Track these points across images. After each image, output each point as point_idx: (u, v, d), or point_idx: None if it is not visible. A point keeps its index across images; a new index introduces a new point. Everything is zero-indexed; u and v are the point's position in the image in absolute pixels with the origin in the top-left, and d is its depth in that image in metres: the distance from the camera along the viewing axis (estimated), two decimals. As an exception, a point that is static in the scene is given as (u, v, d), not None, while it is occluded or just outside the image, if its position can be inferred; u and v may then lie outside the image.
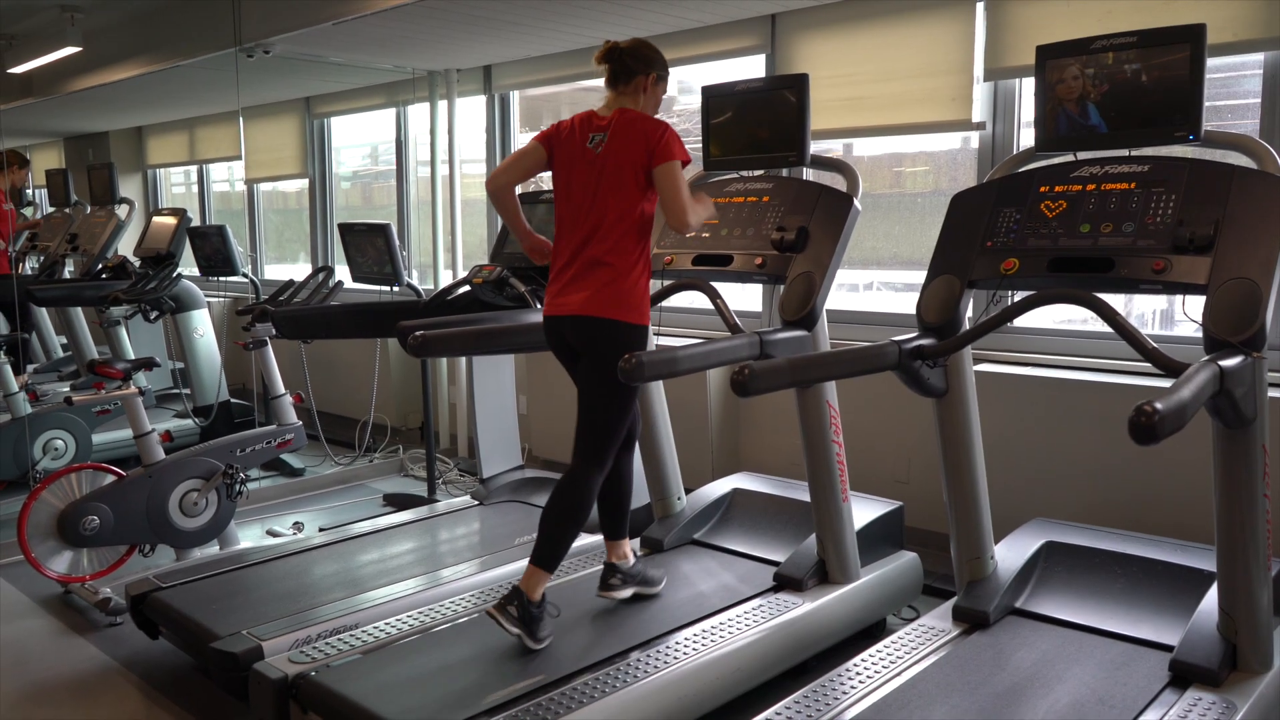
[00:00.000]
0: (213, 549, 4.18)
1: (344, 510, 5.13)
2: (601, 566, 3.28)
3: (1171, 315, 4.08)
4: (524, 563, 3.60)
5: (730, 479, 4.11)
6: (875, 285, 5.04)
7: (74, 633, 3.70)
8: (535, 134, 3.08)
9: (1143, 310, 4.11)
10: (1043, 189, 2.80)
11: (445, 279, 6.30)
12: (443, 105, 6.24)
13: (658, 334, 3.89)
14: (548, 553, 2.92)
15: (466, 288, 4.28)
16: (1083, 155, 2.81)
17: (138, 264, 6.12)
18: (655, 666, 2.79)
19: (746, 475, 4.18)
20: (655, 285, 3.58)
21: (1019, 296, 2.66)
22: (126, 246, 6.46)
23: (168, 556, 4.10)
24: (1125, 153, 2.73)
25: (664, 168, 2.88)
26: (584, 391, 2.99)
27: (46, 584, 4.00)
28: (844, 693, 2.63)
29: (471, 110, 6.32)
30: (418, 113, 6.62)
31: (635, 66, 3.02)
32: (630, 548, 3.29)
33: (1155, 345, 2.35)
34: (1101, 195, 2.69)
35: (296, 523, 4.75)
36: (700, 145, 3.62)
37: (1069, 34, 2.78)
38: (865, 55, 4.38)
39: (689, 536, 3.83)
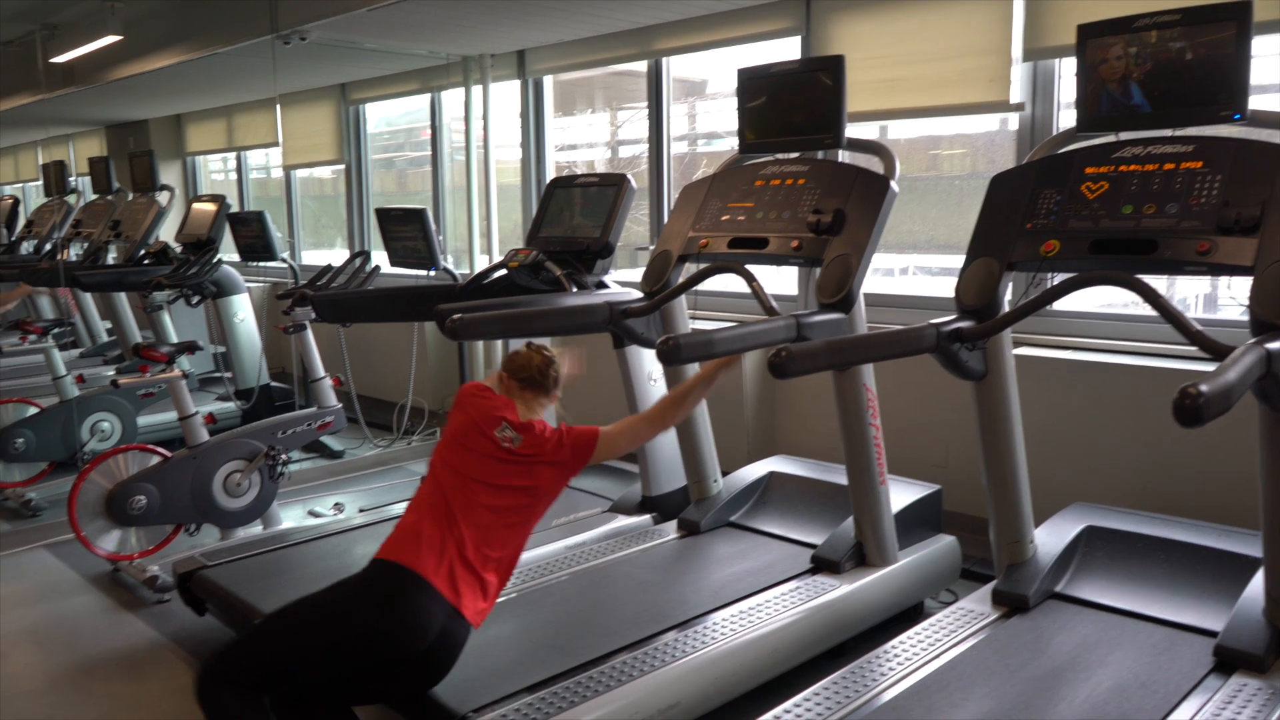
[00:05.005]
0: (256, 529, 4.25)
1: (383, 492, 5.19)
2: (635, 549, 3.28)
3: (1215, 299, 4.03)
4: (561, 544, 3.68)
5: (766, 462, 4.12)
6: (910, 270, 5.01)
7: (123, 609, 3.79)
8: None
9: (1184, 294, 4.05)
10: (1085, 170, 2.76)
11: (480, 263, 6.33)
12: (477, 90, 6.26)
13: (694, 317, 3.90)
14: None
15: (502, 271, 4.30)
16: (1125, 135, 2.77)
17: (179, 250, 6.21)
18: (692, 647, 2.81)
19: (783, 458, 4.19)
20: (691, 269, 3.59)
21: (1059, 279, 2.63)
22: (167, 233, 6.56)
23: (212, 536, 4.18)
24: (1169, 133, 2.70)
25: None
26: None
27: (96, 562, 4.09)
28: (882, 674, 2.64)
29: (506, 95, 6.34)
30: (452, 98, 6.65)
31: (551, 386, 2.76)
32: None
33: (1200, 328, 2.32)
34: (1144, 176, 2.66)
35: (337, 503, 4.83)
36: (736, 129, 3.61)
37: (1110, 12, 2.73)
38: (902, 36, 4.34)
39: (726, 519, 3.84)
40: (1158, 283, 2.44)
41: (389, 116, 7.53)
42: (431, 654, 2.38)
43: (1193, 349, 2.37)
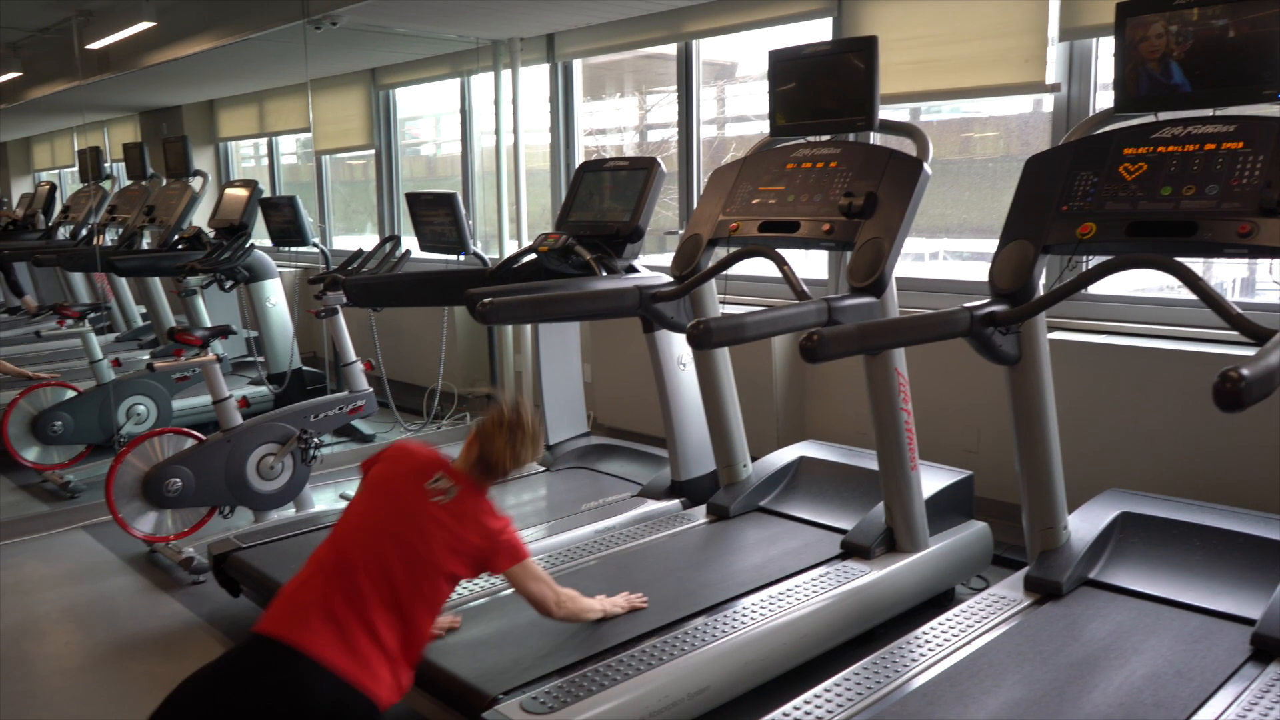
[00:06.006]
0: (289, 511, 4.30)
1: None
2: (664, 534, 3.27)
3: (1253, 283, 3.96)
4: (590, 528, 3.70)
5: (796, 447, 4.10)
6: (941, 254, 4.96)
7: (159, 590, 3.85)
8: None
9: (1221, 278, 3.99)
10: (1124, 150, 2.72)
11: (510, 248, 6.35)
12: (506, 74, 6.25)
13: (723, 302, 3.88)
14: None
15: (532, 256, 4.31)
16: (1164, 116, 2.72)
17: (212, 235, 6.27)
18: (722, 631, 2.81)
19: (812, 443, 4.17)
20: (721, 253, 3.58)
21: (1095, 262, 2.59)
22: (201, 218, 6.63)
23: (246, 519, 4.22)
24: (1209, 112, 2.64)
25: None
26: None
27: (133, 543, 4.15)
28: (913, 660, 2.63)
29: (535, 79, 6.33)
30: (481, 83, 6.65)
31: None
32: None
33: (1240, 311, 2.28)
34: (1184, 157, 2.61)
35: (368, 487, 4.85)
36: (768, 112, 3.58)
37: (1150, -10, 2.69)
38: (935, 16, 4.28)
39: (755, 504, 3.84)
40: (1195, 266, 2.40)
41: (419, 102, 7.54)
42: None
43: (1229, 333, 2.34)
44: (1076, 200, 2.74)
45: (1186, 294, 2.38)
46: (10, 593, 3.88)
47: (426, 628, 2.31)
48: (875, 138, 3.90)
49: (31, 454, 5.23)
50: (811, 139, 3.53)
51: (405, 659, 2.25)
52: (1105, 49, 3.95)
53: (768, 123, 3.60)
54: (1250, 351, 1.91)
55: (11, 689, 3.14)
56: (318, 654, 2.09)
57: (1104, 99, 3.97)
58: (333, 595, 2.19)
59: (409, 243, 5.34)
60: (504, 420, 2.44)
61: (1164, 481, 3.57)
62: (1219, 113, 2.63)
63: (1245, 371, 1.76)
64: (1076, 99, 4.05)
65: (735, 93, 5.79)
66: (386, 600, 2.21)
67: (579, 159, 6.18)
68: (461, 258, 5.24)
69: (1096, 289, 3.82)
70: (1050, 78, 3.99)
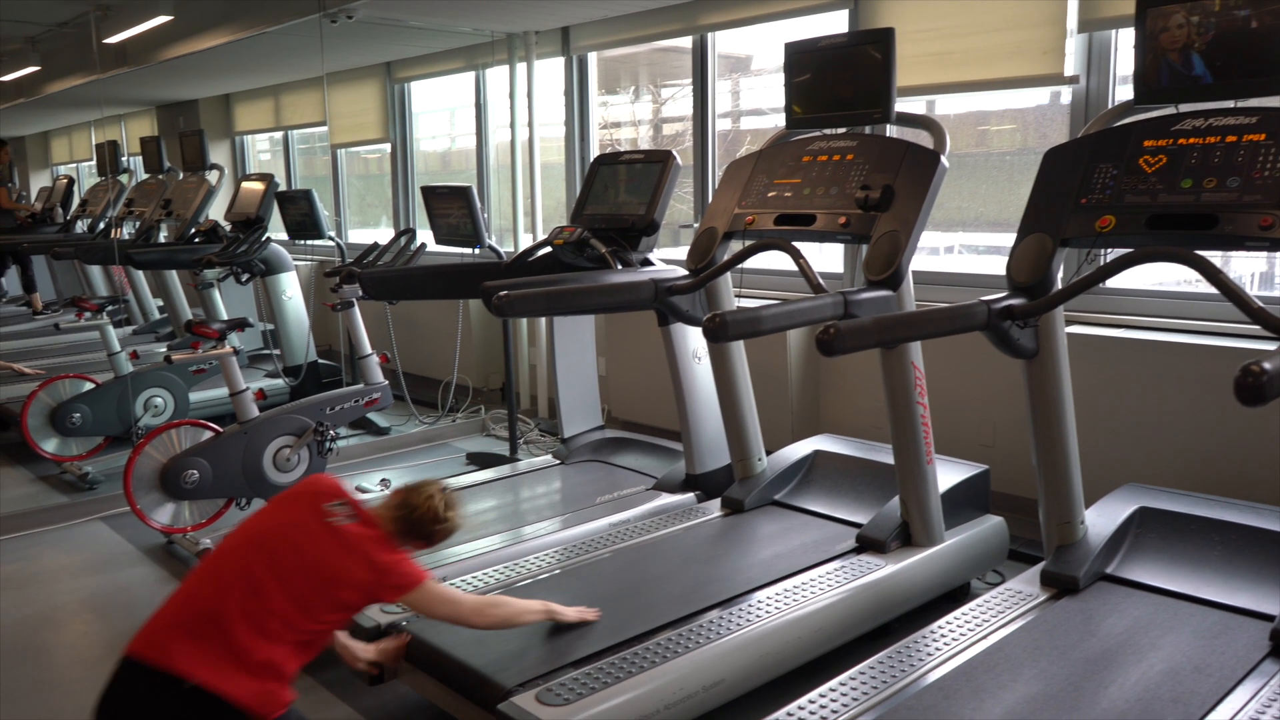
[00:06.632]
0: (305, 504, 4.31)
1: (429, 468, 5.25)
2: (679, 527, 3.27)
3: (1272, 276, 3.93)
4: (605, 521, 3.70)
5: (811, 440, 4.09)
6: (956, 248, 4.94)
7: (177, 580, 3.86)
8: None
9: (1239, 271, 3.95)
10: (1144, 143, 2.70)
11: (525, 241, 6.35)
12: (521, 68, 6.25)
13: (738, 295, 3.88)
14: None
15: (547, 249, 4.31)
16: (1184, 108, 2.70)
17: (228, 228, 6.30)
18: (736, 625, 2.81)
19: (827, 437, 4.16)
20: (736, 246, 3.57)
21: (1114, 255, 2.57)
22: (217, 211, 6.65)
23: (262, 510, 4.24)
24: (1231, 104, 2.62)
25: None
26: None
27: (151, 534, 4.18)
28: (928, 654, 2.62)
29: (550, 73, 6.33)
30: (496, 76, 6.65)
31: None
32: None
33: (1261, 304, 2.26)
34: (1205, 149, 2.59)
35: (383, 479, 4.88)
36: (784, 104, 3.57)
37: (1172, -20, 2.66)
38: (952, 8, 4.26)
39: (770, 497, 3.83)
40: (1213, 259, 2.38)
41: (434, 95, 7.55)
42: None
43: (1248, 327, 2.32)
44: (1095, 193, 2.72)
45: (1205, 287, 2.37)
46: (29, 583, 3.91)
47: (312, 639, 2.18)
48: (891, 130, 3.88)
49: (50, 445, 5.27)
50: (827, 131, 3.52)
51: (279, 669, 2.11)
52: (1125, 40, 3.92)
53: (783, 115, 3.59)
54: (1271, 346, 1.90)
55: (31, 678, 3.17)
56: (182, 670, 2.00)
57: (1123, 91, 3.94)
58: (201, 607, 2.10)
59: (424, 236, 5.34)
60: (440, 494, 2.38)
61: (1182, 476, 3.55)
62: (1241, 104, 2.61)
63: (1267, 365, 1.75)
64: (1095, 91, 4.02)
65: (751, 85, 5.77)
66: (252, 611, 2.08)
67: (594, 152, 6.18)
68: (476, 251, 5.25)
69: (1115, 282, 3.79)
70: (1069, 70, 3.96)
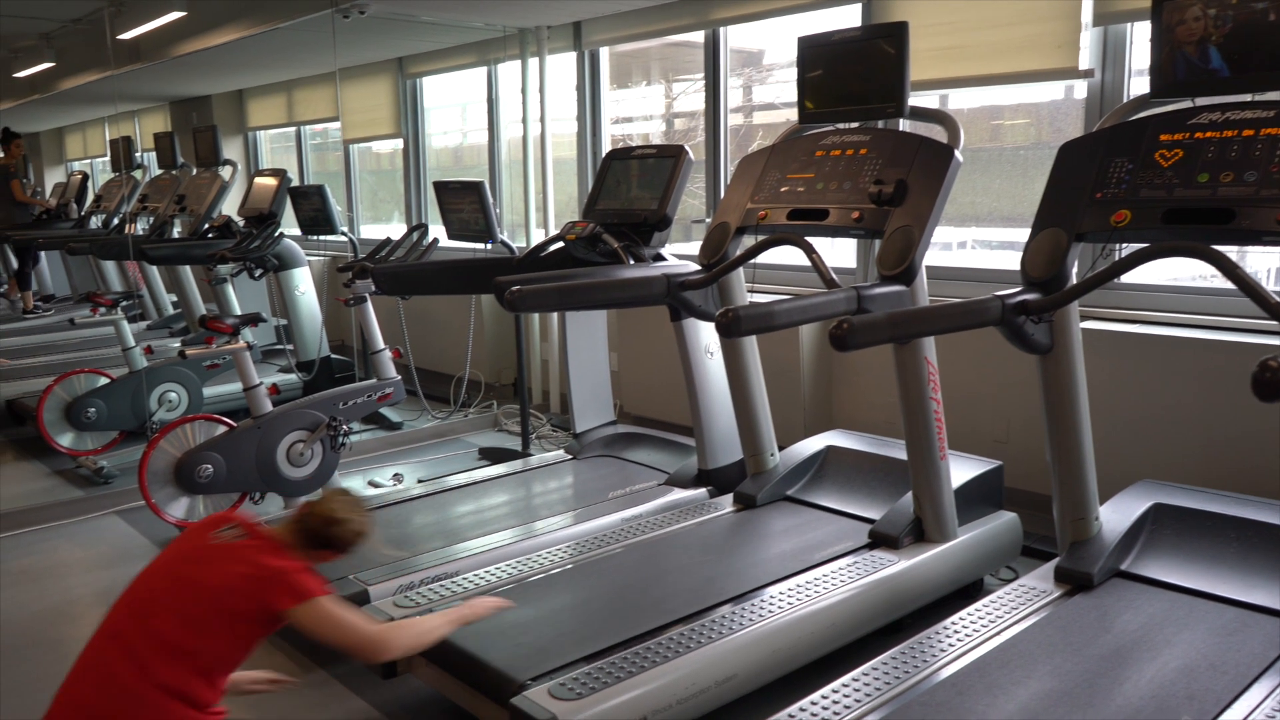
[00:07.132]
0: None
1: (441, 463, 5.26)
2: (691, 522, 3.28)
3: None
4: (617, 516, 3.71)
5: (824, 436, 4.09)
6: (969, 243, 4.92)
7: (191, 575, 3.89)
8: None
9: (1256, 267, 3.92)
10: (1160, 137, 2.68)
11: (537, 237, 6.35)
12: (533, 63, 6.25)
13: (751, 290, 3.87)
14: None
15: (559, 244, 4.30)
16: (1201, 101, 2.68)
17: (242, 224, 6.32)
18: (749, 620, 2.81)
19: (840, 432, 4.15)
20: (749, 241, 3.56)
21: (1129, 250, 2.56)
22: (230, 207, 6.68)
23: (276, 505, 4.26)
24: (1248, 98, 2.60)
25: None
26: None
27: (165, 528, 4.20)
28: (942, 650, 2.61)
29: (562, 67, 6.32)
30: (508, 71, 6.65)
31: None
32: None
33: (1279, 300, 2.24)
34: (1221, 143, 2.57)
35: (396, 474, 4.90)
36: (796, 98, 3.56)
37: (1190, -27, 2.64)
38: (966, 2, 4.23)
39: (782, 493, 3.83)
40: (1230, 254, 2.36)
41: (446, 90, 7.55)
42: None
43: (1264, 322, 2.30)
44: (1111, 187, 2.70)
45: (1221, 282, 2.35)
46: (45, 576, 3.94)
47: (211, 663, 2.10)
48: (905, 125, 3.86)
49: (66, 440, 5.31)
50: (840, 126, 3.50)
51: (192, 698, 2.05)
52: (1140, 34, 3.89)
53: (796, 110, 3.58)
54: (1290, 340, 1.88)
55: (47, 671, 3.18)
56: None
57: (1139, 85, 3.92)
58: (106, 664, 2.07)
59: (436, 231, 5.35)
60: (341, 500, 2.33)
61: (1198, 473, 3.53)
62: (1258, 98, 2.58)
63: (1285, 361, 1.74)
64: (1110, 85, 3.99)
65: (763, 80, 5.76)
66: (142, 652, 2.04)
67: (606, 147, 6.17)
68: (489, 246, 5.26)
69: (1129, 278, 3.76)
70: (1084, 63, 3.93)
